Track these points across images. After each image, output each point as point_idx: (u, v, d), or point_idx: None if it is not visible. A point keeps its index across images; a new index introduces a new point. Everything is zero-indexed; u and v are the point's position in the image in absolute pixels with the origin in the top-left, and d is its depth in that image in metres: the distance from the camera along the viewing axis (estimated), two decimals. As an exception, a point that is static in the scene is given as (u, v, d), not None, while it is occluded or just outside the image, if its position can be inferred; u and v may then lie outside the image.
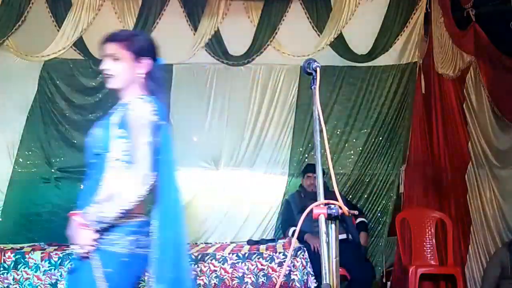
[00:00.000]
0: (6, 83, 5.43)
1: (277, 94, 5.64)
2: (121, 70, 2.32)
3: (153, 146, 2.20)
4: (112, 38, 2.35)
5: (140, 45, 2.37)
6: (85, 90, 5.58)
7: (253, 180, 5.51)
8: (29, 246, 4.43)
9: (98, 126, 2.34)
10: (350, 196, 5.44)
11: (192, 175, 5.44)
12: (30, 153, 5.41)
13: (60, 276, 4.09)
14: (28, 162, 5.39)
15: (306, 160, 5.52)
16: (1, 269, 4.14)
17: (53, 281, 4.12)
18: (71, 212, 2.31)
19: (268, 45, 5.60)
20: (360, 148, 5.56)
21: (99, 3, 5.58)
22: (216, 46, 5.61)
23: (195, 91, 5.68)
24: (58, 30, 5.43)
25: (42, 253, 4.20)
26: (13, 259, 4.17)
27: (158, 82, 2.41)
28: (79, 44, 5.49)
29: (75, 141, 5.46)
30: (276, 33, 5.59)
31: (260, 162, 5.56)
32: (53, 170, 5.41)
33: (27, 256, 4.19)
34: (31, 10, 5.48)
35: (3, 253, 4.19)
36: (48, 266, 4.13)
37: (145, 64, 2.36)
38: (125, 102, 2.31)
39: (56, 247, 4.39)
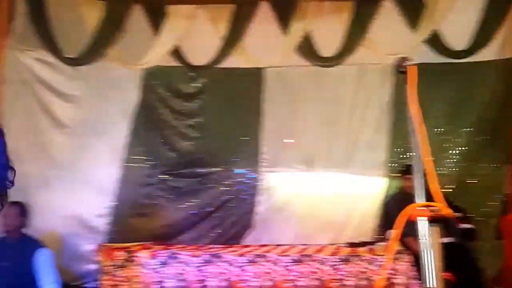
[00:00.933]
0: (110, 91, 5.73)
1: (371, 94, 5.58)
2: None
3: None
4: None
5: None
6: (184, 96, 5.80)
7: (349, 181, 5.49)
8: (138, 245, 4.66)
9: None
10: (452, 198, 5.27)
11: (287, 177, 5.51)
12: (135, 157, 5.70)
13: (168, 274, 4.28)
14: (133, 165, 5.68)
15: (404, 161, 5.41)
16: (112, 266, 4.38)
17: (160, 279, 4.32)
18: None
19: (360, 44, 5.54)
20: (461, 148, 5.39)
21: (193, 11, 5.77)
22: (307, 48, 5.61)
23: (286, 94, 5.75)
24: (156, 38, 5.66)
25: (149, 252, 4.41)
26: (123, 257, 4.40)
27: None
28: (176, 52, 5.70)
29: (177, 145, 5.71)
30: (368, 32, 5.53)
31: (355, 163, 5.52)
32: (156, 173, 5.68)
33: (135, 254, 4.42)
34: (130, 21, 5.75)
35: (113, 252, 4.44)
36: (156, 265, 4.32)
37: None
38: None
39: (162, 246, 4.60)
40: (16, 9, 5.65)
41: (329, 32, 5.62)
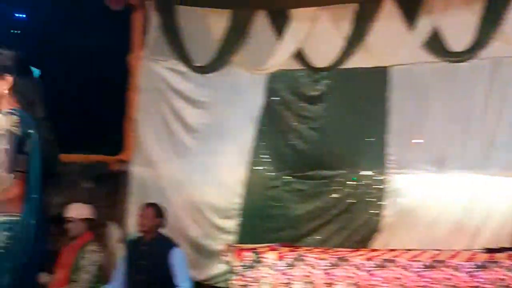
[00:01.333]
0: (236, 97, 5.91)
1: (507, 89, 5.19)
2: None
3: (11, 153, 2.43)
4: None
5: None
6: (307, 99, 5.82)
7: (485, 183, 5.15)
8: (265, 247, 4.74)
9: None
10: None
11: (416, 178, 5.31)
12: (261, 160, 5.82)
13: (295, 276, 4.31)
14: (259, 168, 5.80)
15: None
16: (242, 267, 4.50)
17: (288, 280, 4.35)
18: None
19: (493, 37, 5.20)
20: None
21: (315, 13, 5.78)
22: (435, 43, 5.38)
23: (414, 92, 5.54)
24: (279, 43, 5.75)
25: (277, 253, 4.47)
26: (252, 258, 4.50)
27: (26, 97, 2.61)
28: (299, 55, 5.74)
29: (300, 148, 5.75)
30: (502, 23, 5.18)
31: (492, 163, 5.14)
32: (281, 175, 5.76)
33: (263, 256, 4.49)
34: (254, 27, 5.90)
35: (242, 253, 4.56)
36: (283, 266, 4.37)
37: (7, 80, 2.56)
38: None
39: (289, 248, 4.65)
40: (150, 22, 6.04)
41: (459, 26, 5.34)
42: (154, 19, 6.03)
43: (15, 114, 2.52)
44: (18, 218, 2.50)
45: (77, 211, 4.86)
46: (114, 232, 5.55)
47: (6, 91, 2.61)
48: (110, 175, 5.86)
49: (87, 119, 5.92)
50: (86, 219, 4.85)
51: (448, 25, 5.36)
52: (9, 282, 2.44)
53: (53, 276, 4.76)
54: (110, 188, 5.91)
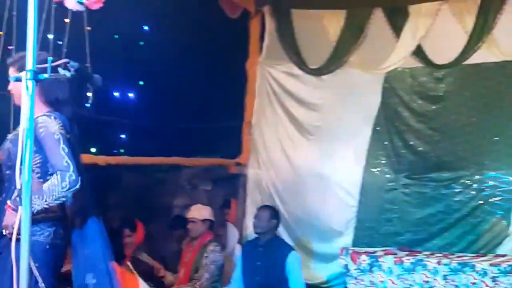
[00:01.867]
0: (352, 97, 5.83)
1: None
2: (18, 88, 2.46)
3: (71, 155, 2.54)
4: (9, 62, 2.73)
5: (22, 63, 2.48)
6: (428, 98, 5.59)
7: None
8: (382, 250, 4.63)
9: (9, 141, 2.71)
10: None
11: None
12: (377, 161, 5.68)
13: (414, 281, 4.16)
14: (376, 170, 5.67)
15: None
16: (358, 271, 4.43)
17: (407, 285, 4.21)
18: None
19: None
20: None
21: (436, 8, 5.54)
22: None
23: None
24: (396, 41, 5.58)
25: (394, 257, 4.35)
26: (368, 262, 4.42)
27: (55, 98, 2.68)
28: (419, 52, 5.53)
29: (420, 149, 5.53)
30: None
31: None
32: (399, 178, 5.57)
33: (380, 259, 4.39)
34: (370, 26, 5.77)
35: (359, 256, 4.49)
36: (401, 271, 4.24)
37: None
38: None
39: (407, 253, 4.49)
40: (266, 28, 6.17)
41: None
42: (270, 24, 6.14)
43: (56, 117, 2.64)
44: None
45: (199, 212, 5.07)
46: (233, 233, 5.72)
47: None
48: (228, 177, 6.06)
49: (207, 123, 6.16)
50: (207, 220, 5.04)
51: None
52: None
53: (176, 274, 5.01)
54: (228, 190, 6.11)
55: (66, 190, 2.54)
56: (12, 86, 2.72)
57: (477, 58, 5.32)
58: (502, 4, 5.22)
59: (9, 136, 2.79)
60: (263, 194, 5.78)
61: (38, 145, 2.57)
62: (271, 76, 6.12)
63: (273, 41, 6.12)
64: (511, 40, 5.23)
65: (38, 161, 2.64)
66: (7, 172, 2.70)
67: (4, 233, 2.58)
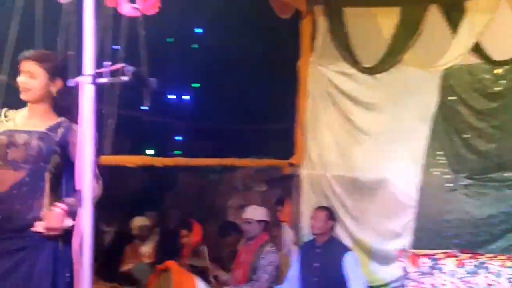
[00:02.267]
0: (408, 96, 5.71)
1: None
2: (36, 86, 2.60)
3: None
4: (28, 56, 2.62)
5: (53, 64, 2.61)
6: (488, 96, 5.40)
7: None
8: (443, 253, 4.50)
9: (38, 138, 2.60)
10: None
11: None
12: (436, 161, 5.53)
13: (476, 284, 4.03)
14: (435, 170, 5.51)
15: None
16: (418, 273, 4.32)
17: (470, 288, 4.08)
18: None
19: None
20: None
21: (495, 3, 5.36)
22: None
23: None
24: (453, 37, 5.43)
25: (456, 260, 4.22)
26: (429, 264, 4.31)
27: (67, 104, 2.59)
28: (477, 48, 5.35)
29: (481, 148, 5.34)
30: None
31: None
32: (458, 178, 5.41)
33: (440, 262, 4.27)
34: (426, 22, 5.64)
35: (418, 258, 4.38)
36: (464, 274, 4.11)
37: (57, 84, 2.62)
38: (45, 115, 2.65)
39: (469, 255, 4.35)
40: (317, 27, 6.12)
41: None
42: (323, 24, 6.10)
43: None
44: None
45: (254, 213, 5.08)
46: (288, 233, 5.70)
47: (54, 93, 2.66)
48: (282, 178, 6.04)
49: (260, 125, 6.17)
50: (262, 220, 5.04)
51: None
52: None
53: (232, 274, 5.03)
54: (282, 191, 6.09)
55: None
56: (25, 80, 2.64)
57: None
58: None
59: (18, 128, 2.67)
60: (318, 195, 5.72)
61: (64, 149, 2.61)
62: (324, 76, 6.06)
63: (325, 40, 6.07)
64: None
65: (57, 162, 2.62)
66: (26, 166, 2.59)
67: (38, 231, 2.51)
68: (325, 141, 5.94)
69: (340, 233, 4.99)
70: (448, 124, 5.54)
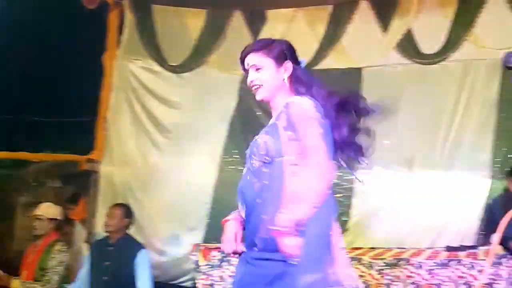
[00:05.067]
0: (209, 96, 5.90)
1: (475, 92, 5.24)
2: (267, 78, 2.27)
3: (325, 139, 2.10)
4: (250, 49, 2.33)
5: (278, 49, 2.29)
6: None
7: (450, 183, 5.19)
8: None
9: (264, 133, 2.31)
10: None
11: (384, 178, 5.32)
12: (233, 159, 5.79)
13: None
14: (231, 168, 5.77)
15: (510, 161, 5.01)
16: (208, 266, 4.47)
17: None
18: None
19: (465, 39, 5.26)
20: None
21: (291, 14, 5.79)
22: (407, 45, 5.45)
23: (385, 93, 5.55)
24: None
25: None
26: (218, 257, 4.48)
27: (305, 84, 2.30)
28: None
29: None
30: (474, 26, 5.23)
31: (458, 164, 5.20)
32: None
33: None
34: (230, 27, 5.90)
35: (210, 252, 4.53)
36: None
37: (287, 67, 2.29)
38: (280, 107, 2.25)
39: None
40: (125, 21, 6.03)
41: (431, 28, 5.42)
42: (130, 18, 6.03)
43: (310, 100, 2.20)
44: None
45: (46, 210, 4.81)
46: (80, 232, 5.51)
47: (287, 80, 2.30)
48: (79, 174, 5.83)
49: (58, 117, 5.87)
50: (54, 218, 4.80)
51: (420, 27, 5.42)
52: None
53: (19, 276, 4.70)
54: (78, 187, 5.88)
55: None
56: (257, 76, 2.30)
57: (328, 63, 5.65)
58: (351, 14, 5.61)
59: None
60: (116, 192, 5.63)
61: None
62: (129, 71, 5.99)
63: (133, 35, 6.01)
64: (357, 48, 5.62)
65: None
66: (259, 167, 2.22)
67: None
68: (127, 137, 5.88)
69: (135, 231, 4.95)
70: (245, 125, 5.84)
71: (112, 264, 4.39)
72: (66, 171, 6.03)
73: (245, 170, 2.32)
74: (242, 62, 2.37)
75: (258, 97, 2.33)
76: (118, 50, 6.01)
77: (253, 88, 2.33)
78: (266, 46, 2.32)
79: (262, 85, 2.29)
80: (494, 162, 5.12)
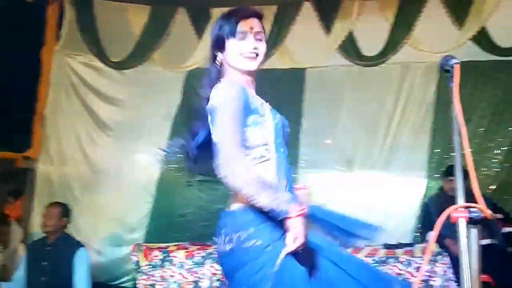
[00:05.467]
0: (152, 94, 5.83)
1: (413, 94, 5.44)
2: (264, 51, 2.12)
3: None
4: (256, 13, 2.12)
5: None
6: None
7: (388, 182, 5.36)
8: (174, 245, 4.68)
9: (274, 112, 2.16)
10: (496, 199, 5.05)
11: (325, 177, 5.42)
12: (174, 158, 5.72)
13: (203, 274, 4.28)
14: (174, 167, 5.72)
15: (445, 162, 5.23)
16: (149, 267, 4.42)
17: (196, 279, 4.31)
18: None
19: (404, 43, 5.42)
20: (507, 148, 5.15)
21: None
22: (349, 47, 5.55)
23: (327, 93, 5.67)
24: (198, 42, 5.71)
25: (186, 252, 4.43)
26: (160, 257, 4.44)
27: None
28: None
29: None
30: (413, 30, 5.40)
31: (395, 164, 5.39)
32: (195, 174, 5.69)
33: (171, 254, 4.43)
34: (174, 24, 5.83)
35: (151, 252, 4.48)
36: (192, 264, 4.33)
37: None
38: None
39: (198, 246, 4.61)
40: (65, 15, 5.86)
41: (372, 31, 5.53)
42: (70, 12, 5.86)
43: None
44: None
45: (-21, 209, 4.61)
46: (16, 231, 5.32)
47: None
48: (15, 172, 5.62)
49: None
50: (-12, 217, 4.61)
51: (362, 30, 5.52)
52: None
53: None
54: (14, 186, 5.67)
55: None
56: (258, 45, 2.12)
57: (270, 64, 5.68)
58: (295, 15, 5.67)
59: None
60: (54, 191, 5.47)
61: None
62: (69, 67, 5.83)
63: (73, 30, 5.85)
64: (300, 49, 5.69)
65: None
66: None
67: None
68: (66, 134, 5.72)
69: (73, 231, 4.82)
70: (189, 122, 5.77)
71: (50, 264, 4.27)
72: (2, 169, 5.80)
73: (274, 148, 2.09)
74: (237, 18, 2.12)
75: (253, 66, 2.12)
76: (58, 45, 5.83)
77: (249, 55, 2.10)
78: (261, 13, 2.16)
79: (258, 55, 2.12)
80: (430, 163, 5.34)
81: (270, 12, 5.74)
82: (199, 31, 5.79)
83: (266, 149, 2.04)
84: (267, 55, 5.58)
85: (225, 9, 5.75)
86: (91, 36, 5.81)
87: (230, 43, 2.10)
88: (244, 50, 2.09)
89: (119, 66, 5.84)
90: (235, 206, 2.02)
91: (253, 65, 2.11)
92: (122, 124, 5.75)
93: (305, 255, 1.89)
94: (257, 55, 2.11)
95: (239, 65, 2.12)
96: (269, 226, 1.91)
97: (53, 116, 5.70)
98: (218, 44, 2.14)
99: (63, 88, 5.78)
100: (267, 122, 2.06)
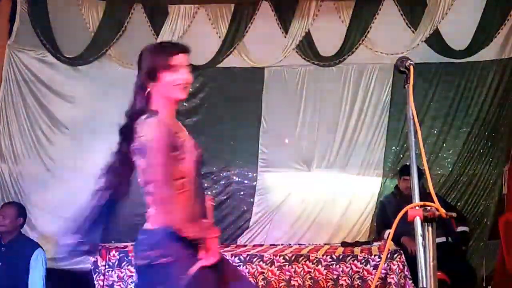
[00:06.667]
0: (109, 91, 5.71)
1: (369, 94, 5.56)
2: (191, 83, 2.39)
3: None
4: (186, 50, 2.37)
5: None
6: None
7: (346, 181, 5.46)
8: (132, 245, 4.61)
9: None
10: (449, 198, 5.24)
11: (284, 176, 5.47)
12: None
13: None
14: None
15: (401, 161, 5.39)
16: (106, 267, 4.35)
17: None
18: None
19: (360, 44, 5.53)
20: (459, 148, 5.34)
21: (193, 10, 5.76)
22: (307, 47, 5.63)
23: (286, 93, 5.72)
24: (156, 39, 5.65)
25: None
26: (117, 257, 4.37)
27: None
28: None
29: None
30: (368, 31, 5.52)
31: (352, 163, 5.50)
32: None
33: (130, 254, 4.37)
34: (130, 20, 5.75)
35: (108, 252, 4.41)
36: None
37: None
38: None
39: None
40: (17, 9, 5.68)
41: (329, 31, 5.63)
42: (22, 6, 5.68)
43: None
44: None
45: None
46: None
47: None
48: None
49: None
50: None
51: (319, 30, 5.60)
52: None
53: None
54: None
55: None
56: (189, 77, 2.37)
57: (228, 62, 5.70)
58: (253, 14, 5.69)
59: None
60: (6, 190, 5.30)
61: None
62: (21, 62, 5.64)
63: (25, 24, 5.67)
64: (259, 48, 5.71)
65: None
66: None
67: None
68: (19, 132, 5.53)
69: (29, 229, 4.71)
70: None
71: (5, 265, 4.17)
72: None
73: None
74: (169, 53, 2.35)
75: (185, 95, 2.38)
76: (9, 40, 5.64)
77: (184, 87, 2.35)
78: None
79: (188, 85, 2.37)
80: (385, 161, 5.47)
81: (228, 10, 5.74)
82: (156, 28, 5.74)
83: (185, 182, 2.26)
84: (226, 54, 5.62)
85: (182, 6, 5.73)
86: (44, 30, 5.65)
87: (164, 75, 2.33)
88: (178, 81, 2.32)
89: (74, 62, 5.71)
90: (151, 225, 2.32)
91: (185, 94, 2.37)
92: (77, 122, 5.61)
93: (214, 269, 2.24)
94: (188, 85, 2.36)
95: (174, 94, 2.34)
96: (182, 245, 2.19)
97: (5, 112, 5.50)
98: (150, 75, 2.38)
99: (15, 84, 5.59)
100: (187, 159, 2.28)
